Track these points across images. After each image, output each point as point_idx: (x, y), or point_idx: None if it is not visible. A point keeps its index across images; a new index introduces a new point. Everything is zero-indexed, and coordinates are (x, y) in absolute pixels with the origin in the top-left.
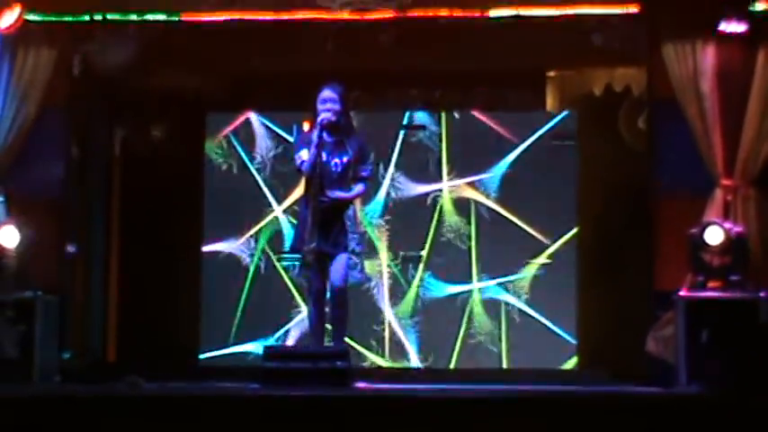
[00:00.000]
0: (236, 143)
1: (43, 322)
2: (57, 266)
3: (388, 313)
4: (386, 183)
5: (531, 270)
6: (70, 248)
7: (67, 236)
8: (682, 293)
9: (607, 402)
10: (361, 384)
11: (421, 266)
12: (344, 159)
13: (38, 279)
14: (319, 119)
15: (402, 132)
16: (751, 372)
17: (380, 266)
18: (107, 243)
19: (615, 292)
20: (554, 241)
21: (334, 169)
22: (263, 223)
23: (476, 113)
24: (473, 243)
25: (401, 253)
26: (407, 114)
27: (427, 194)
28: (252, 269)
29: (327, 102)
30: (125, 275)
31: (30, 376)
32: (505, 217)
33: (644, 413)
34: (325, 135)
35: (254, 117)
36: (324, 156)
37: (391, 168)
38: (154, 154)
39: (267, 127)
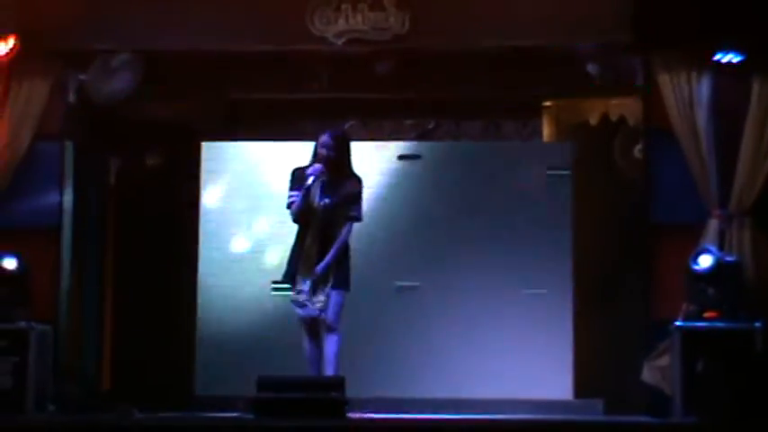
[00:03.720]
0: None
1: (37, 352)
2: (51, 296)
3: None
4: None
5: (526, 300)
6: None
7: (62, 265)
8: (677, 323)
9: None
10: (354, 415)
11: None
12: (332, 201)
13: (32, 309)
14: (310, 169)
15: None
16: (746, 402)
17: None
18: (102, 272)
19: (611, 322)
20: (550, 271)
21: (323, 209)
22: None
23: (471, 143)
24: (469, 271)
25: (396, 283)
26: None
27: (422, 222)
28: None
29: (322, 148)
30: (120, 304)
31: (23, 406)
32: (501, 246)
33: None
34: (313, 183)
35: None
36: (316, 196)
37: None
38: (149, 183)
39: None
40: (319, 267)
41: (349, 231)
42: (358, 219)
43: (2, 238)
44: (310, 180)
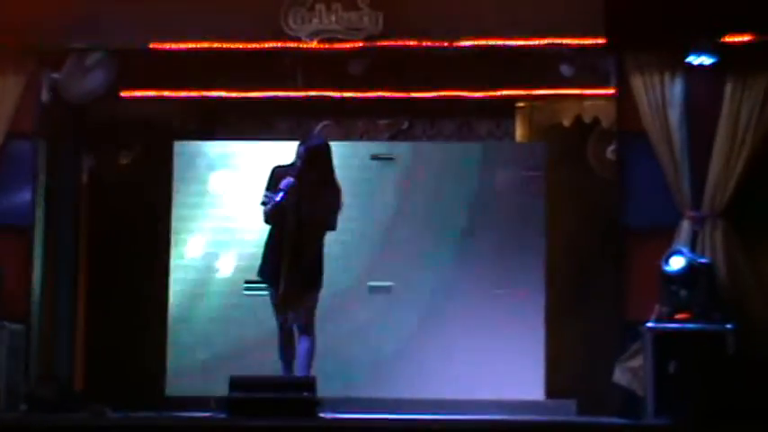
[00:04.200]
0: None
1: (9, 351)
2: (23, 295)
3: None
4: None
5: (499, 300)
6: None
7: (34, 264)
8: (649, 324)
9: None
10: (326, 414)
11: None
12: (310, 207)
13: (4, 308)
14: (283, 182)
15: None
16: (718, 403)
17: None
18: (74, 271)
19: (584, 323)
20: (523, 271)
21: (298, 214)
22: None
23: (444, 144)
24: (442, 272)
25: (369, 283)
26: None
27: (395, 223)
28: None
29: (298, 158)
30: (92, 304)
31: None
32: (473, 246)
33: None
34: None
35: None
36: (292, 201)
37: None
38: (122, 181)
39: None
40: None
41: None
42: (333, 228)
43: None
44: (279, 197)
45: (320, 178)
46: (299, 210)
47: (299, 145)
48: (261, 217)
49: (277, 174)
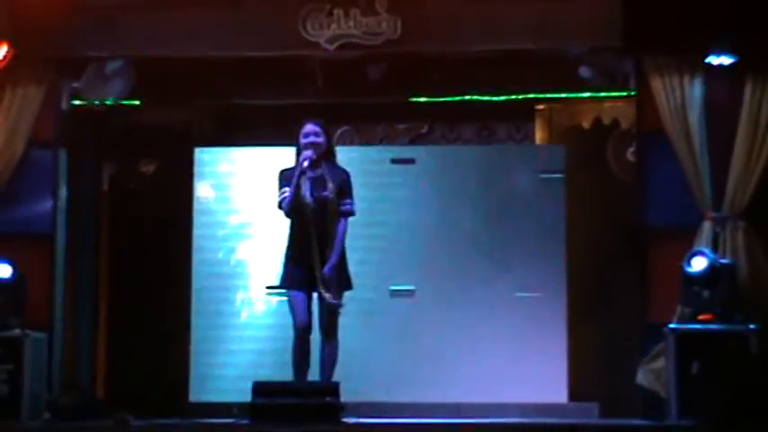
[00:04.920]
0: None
1: (32, 360)
2: (46, 303)
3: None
4: None
5: (521, 303)
6: None
7: (56, 273)
8: (672, 326)
9: None
10: (350, 419)
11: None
12: (325, 194)
13: (26, 316)
14: (301, 157)
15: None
16: (741, 404)
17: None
18: (96, 279)
19: (606, 325)
20: (544, 274)
21: (317, 203)
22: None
23: (464, 147)
24: (463, 275)
25: (390, 287)
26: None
27: (416, 226)
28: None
29: (310, 136)
30: (114, 312)
31: (18, 414)
32: (494, 249)
33: None
34: (306, 168)
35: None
36: (306, 191)
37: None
38: (142, 189)
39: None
40: (327, 269)
41: (345, 228)
42: (352, 213)
43: None
44: (306, 164)
45: (332, 154)
46: (318, 190)
47: (301, 131)
48: (281, 215)
49: (286, 174)
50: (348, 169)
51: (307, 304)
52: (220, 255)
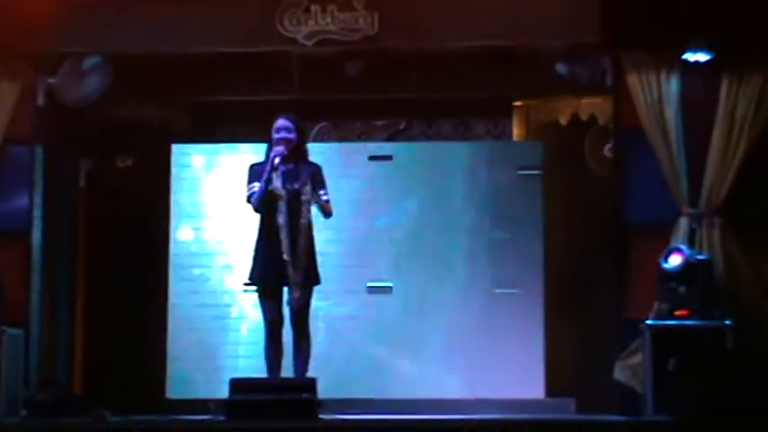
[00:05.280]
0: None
1: (8, 356)
2: (22, 300)
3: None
4: None
5: (498, 299)
6: None
7: (32, 269)
8: (648, 321)
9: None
10: (326, 416)
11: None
12: (297, 186)
13: (3, 312)
14: (272, 153)
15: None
16: (717, 400)
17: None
18: (73, 275)
19: (583, 321)
20: (521, 270)
21: (289, 195)
22: None
23: (442, 143)
24: (440, 271)
25: (368, 283)
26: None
27: (393, 223)
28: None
29: (282, 131)
30: (91, 307)
31: None
32: (472, 245)
33: None
34: (278, 164)
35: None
36: (278, 185)
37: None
38: (120, 185)
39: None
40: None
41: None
42: (328, 202)
43: None
44: (277, 160)
45: (304, 149)
46: (290, 183)
47: (273, 126)
48: (250, 208)
49: (256, 169)
50: (322, 165)
51: (276, 298)
52: (198, 251)
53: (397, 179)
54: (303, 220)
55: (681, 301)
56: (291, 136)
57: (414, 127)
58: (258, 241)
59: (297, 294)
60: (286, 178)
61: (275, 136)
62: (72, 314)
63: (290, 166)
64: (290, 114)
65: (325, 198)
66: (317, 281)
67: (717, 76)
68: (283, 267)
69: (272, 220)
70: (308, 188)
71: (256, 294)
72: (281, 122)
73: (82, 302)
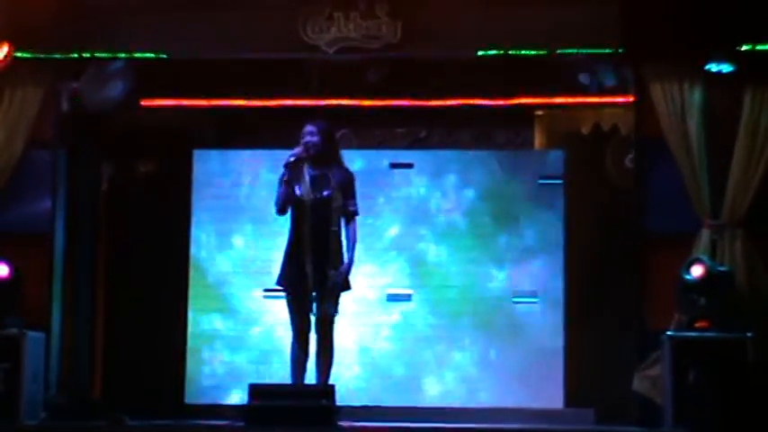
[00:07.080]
0: None
1: (29, 359)
2: (43, 303)
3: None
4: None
5: (518, 309)
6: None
7: (54, 272)
8: (669, 333)
9: None
10: (345, 423)
11: (408, 304)
12: (325, 194)
13: (24, 316)
14: (291, 153)
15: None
16: (737, 412)
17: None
18: (94, 279)
19: (603, 331)
20: (542, 280)
21: (315, 202)
22: None
23: (463, 152)
24: (461, 280)
25: (388, 291)
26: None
27: (413, 231)
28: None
29: (306, 135)
30: (112, 311)
31: (15, 413)
32: (493, 255)
33: None
34: (307, 169)
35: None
36: (305, 191)
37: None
38: (141, 189)
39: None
40: (344, 269)
41: (355, 229)
42: (356, 213)
43: None
44: (291, 159)
45: (333, 154)
46: (318, 189)
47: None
48: (282, 223)
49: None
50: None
51: (304, 305)
52: (219, 254)
53: (417, 187)
54: (334, 228)
55: (701, 313)
56: (315, 139)
57: (434, 135)
58: (287, 246)
59: (322, 303)
60: (313, 185)
61: (301, 141)
62: (93, 318)
63: (318, 171)
64: (318, 120)
65: (352, 209)
66: (346, 286)
67: (740, 88)
68: (306, 273)
69: (299, 226)
70: (338, 195)
71: (285, 300)
72: (306, 128)
73: (103, 306)
